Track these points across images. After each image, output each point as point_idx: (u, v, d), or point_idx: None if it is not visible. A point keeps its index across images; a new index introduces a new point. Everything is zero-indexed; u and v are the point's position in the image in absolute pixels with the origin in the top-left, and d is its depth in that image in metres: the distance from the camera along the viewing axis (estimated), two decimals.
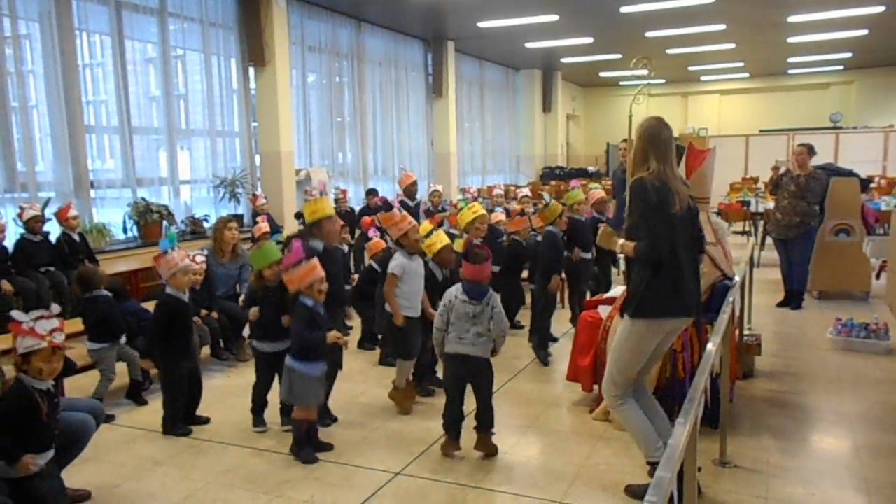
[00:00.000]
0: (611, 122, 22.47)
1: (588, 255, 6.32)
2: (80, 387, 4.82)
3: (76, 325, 4.82)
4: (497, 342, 3.85)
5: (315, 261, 3.80)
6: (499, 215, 7.28)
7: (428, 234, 4.82)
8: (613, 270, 7.32)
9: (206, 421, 4.42)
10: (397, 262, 4.63)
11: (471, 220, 5.72)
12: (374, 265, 5.76)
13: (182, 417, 4.36)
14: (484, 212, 5.99)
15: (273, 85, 10.09)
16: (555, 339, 6.04)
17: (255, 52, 9.97)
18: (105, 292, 4.75)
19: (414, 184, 8.85)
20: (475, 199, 8.74)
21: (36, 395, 2.90)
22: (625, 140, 5.85)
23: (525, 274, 6.77)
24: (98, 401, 3.93)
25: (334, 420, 4.40)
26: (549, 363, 5.58)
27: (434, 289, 4.77)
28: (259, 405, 4.37)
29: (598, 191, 7.42)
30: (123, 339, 4.83)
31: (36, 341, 2.85)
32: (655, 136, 3.19)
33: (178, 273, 4.28)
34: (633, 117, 4.27)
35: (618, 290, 5.08)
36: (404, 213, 4.84)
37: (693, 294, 3.21)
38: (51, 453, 3.03)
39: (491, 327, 3.78)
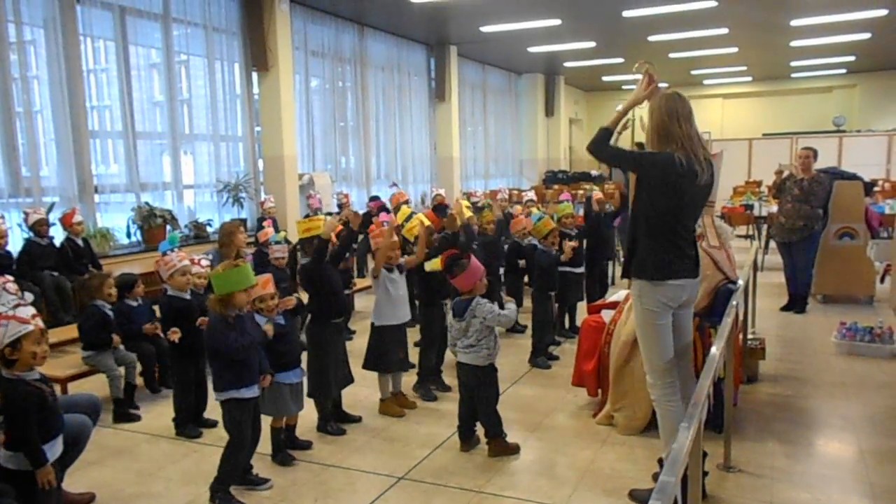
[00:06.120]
0: None
1: (579, 270, 6.33)
2: (83, 391, 4.81)
3: (72, 331, 4.85)
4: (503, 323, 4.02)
5: (268, 276, 3.85)
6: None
7: (408, 218, 4.93)
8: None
9: (213, 424, 4.39)
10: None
11: None
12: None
13: (192, 419, 4.38)
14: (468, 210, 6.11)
15: (276, 89, 10.12)
16: (553, 357, 5.85)
17: (258, 56, 10.00)
18: (103, 303, 4.75)
19: (407, 202, 8.84)
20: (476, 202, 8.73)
21: (33, 383, 2.86)
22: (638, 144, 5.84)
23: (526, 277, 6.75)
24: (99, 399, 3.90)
25: (357, 420, 4.48)
26: (549, 366, 5.57)
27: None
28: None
29: (595, 192, 7.43)
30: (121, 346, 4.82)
31: (23, 325, 2.79)
32: (674, 111, 3.39)
33: (176, 273, 4.37)
34: (636, 122, 4.28)
35: (619, 293, 5.08)
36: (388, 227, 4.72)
37: (692, 257, 3.26)
38: (60, 440, 2.99)
39: (480, 337, 3.87)
